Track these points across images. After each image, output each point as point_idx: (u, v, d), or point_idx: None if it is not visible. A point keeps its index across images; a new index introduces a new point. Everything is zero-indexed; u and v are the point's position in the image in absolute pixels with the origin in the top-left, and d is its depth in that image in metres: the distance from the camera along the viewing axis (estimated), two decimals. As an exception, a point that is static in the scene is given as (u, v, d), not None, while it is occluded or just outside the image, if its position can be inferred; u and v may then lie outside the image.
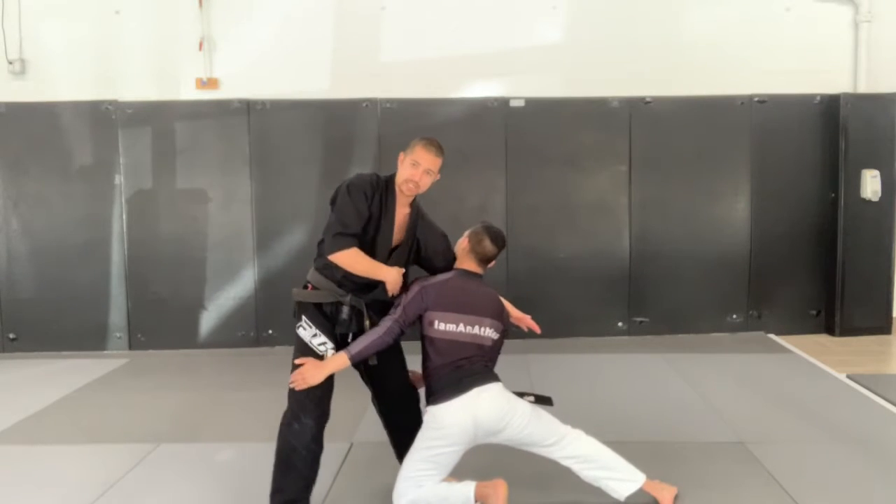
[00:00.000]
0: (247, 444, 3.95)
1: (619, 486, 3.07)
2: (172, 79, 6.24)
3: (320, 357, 2.96)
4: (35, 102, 6.06)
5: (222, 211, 6.10)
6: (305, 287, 3.09)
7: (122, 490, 3.47)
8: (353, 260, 2.96)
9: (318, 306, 3.05)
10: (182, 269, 6.09)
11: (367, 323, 3.03)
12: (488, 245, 3.09)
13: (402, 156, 3.07)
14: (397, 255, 3.11)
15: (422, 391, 3.12)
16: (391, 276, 2.98)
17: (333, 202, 3.04)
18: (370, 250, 3.02)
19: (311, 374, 2.91)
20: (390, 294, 3.01)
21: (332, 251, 2.96)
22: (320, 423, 2.96)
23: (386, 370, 3.16)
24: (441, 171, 3.10)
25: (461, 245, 3.15)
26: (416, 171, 3.00)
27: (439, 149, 3.05)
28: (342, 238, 2.94)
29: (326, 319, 3.04)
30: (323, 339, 3.00)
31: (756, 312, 6.24)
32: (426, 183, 3.05)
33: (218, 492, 3.42)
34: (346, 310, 3.01)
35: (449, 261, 3.20)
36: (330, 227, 2.99)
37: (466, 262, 3.12)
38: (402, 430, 3.19)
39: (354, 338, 3.02)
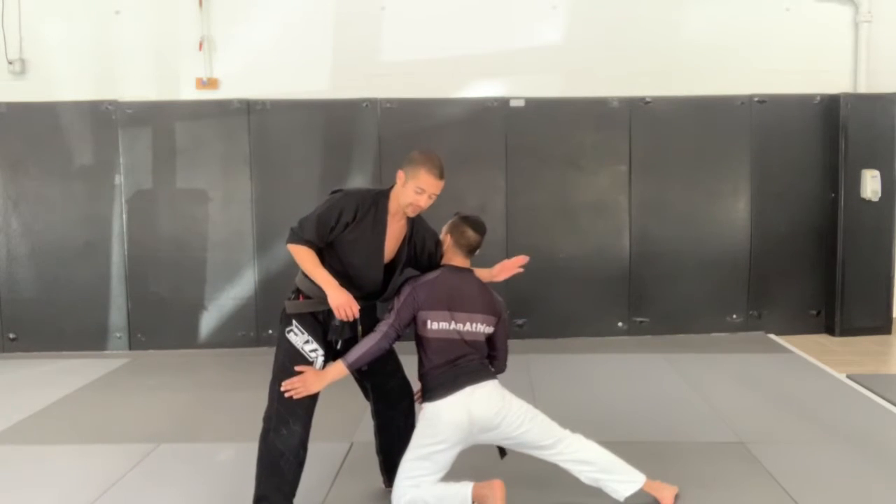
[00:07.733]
0: (247, 444, 3.90)
1: (619, 488, 3.07)
2: (172, 79, 6.24)
3: (310, 364, 2.94)
4: (35, 102, 6.06)
5: (222, 211, 6.10)
6: (296, 296, 3.04)
7: (122, 490, 3.47)
8: (302, 258, 2.96)
9: (311, 313, 3.00)
10: (182, 269, 6.09)
11: (359, 329, 3.02)
12: (471, 235, 3.06)
13: (401, 175, 2.96)
14: (392, 267, 3.09)
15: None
16: (337, 300, 2.88)
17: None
18: (359, 264, 2.99)
19: (312, 383, 2.89)
20: (336, 315, 2.92)
21: (292, 242, 2.98)
22: (308, 430, 2.95)
23: (378, 370, 3.13)
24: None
25: (445, 242, 3.12)
26: (420, 197, 2.93)
27: (442, 172, 2.96)
28: (304, 239, 2.97)
29: (318, 325, 3.00)
30: (314, 345, 2.96)
31: (756, 312, 6.24)
32: (427, 205, 3.00)
33: (218, 492, 3.43)
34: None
35: (437, 262, 3.16)
36: (303, 223, 2.98)
37: (453, 258, 3.10)
38: (395, 431, 3.18)
39: (345, 345, 3.00)
